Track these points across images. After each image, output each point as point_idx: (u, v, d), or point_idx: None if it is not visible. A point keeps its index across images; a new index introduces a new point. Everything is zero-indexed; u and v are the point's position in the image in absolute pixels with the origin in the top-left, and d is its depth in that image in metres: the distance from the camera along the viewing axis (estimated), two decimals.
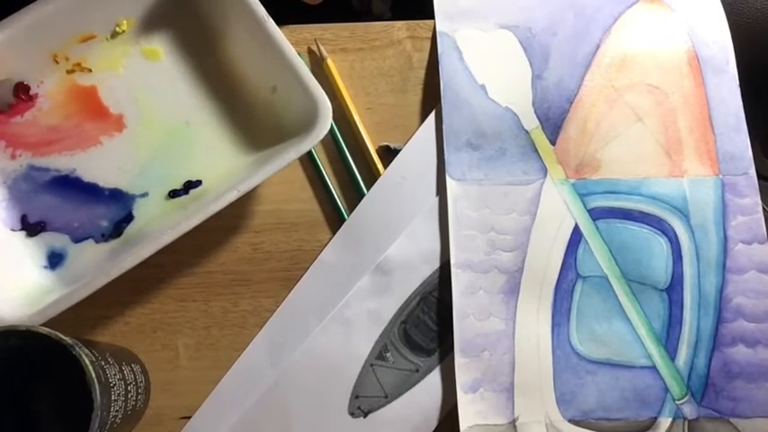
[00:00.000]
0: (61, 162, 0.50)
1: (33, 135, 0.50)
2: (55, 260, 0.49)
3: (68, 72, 0.51)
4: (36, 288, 0.47)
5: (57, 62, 0.51)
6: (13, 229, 0.49)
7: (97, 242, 0.49)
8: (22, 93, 0.50)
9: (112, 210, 0.50)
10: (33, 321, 0.44)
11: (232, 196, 0.45)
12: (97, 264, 0.48)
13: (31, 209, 0.49)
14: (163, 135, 0.51)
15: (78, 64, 0.51)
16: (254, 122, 0.51)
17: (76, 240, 0.49)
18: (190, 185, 0.50)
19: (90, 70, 0.51)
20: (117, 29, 0.52)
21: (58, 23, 0.49)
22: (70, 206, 0.50)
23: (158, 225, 0.48)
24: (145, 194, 0.50)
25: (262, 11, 0.48)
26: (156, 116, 0.51)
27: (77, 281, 0.46)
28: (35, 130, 0.51)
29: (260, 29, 0.48)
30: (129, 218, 0.50)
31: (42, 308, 0.44)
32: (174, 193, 0.50)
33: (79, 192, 0.50)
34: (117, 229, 0.49)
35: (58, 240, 0.49)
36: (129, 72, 0.52)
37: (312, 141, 0.46)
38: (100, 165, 0.50)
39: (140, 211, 0.50)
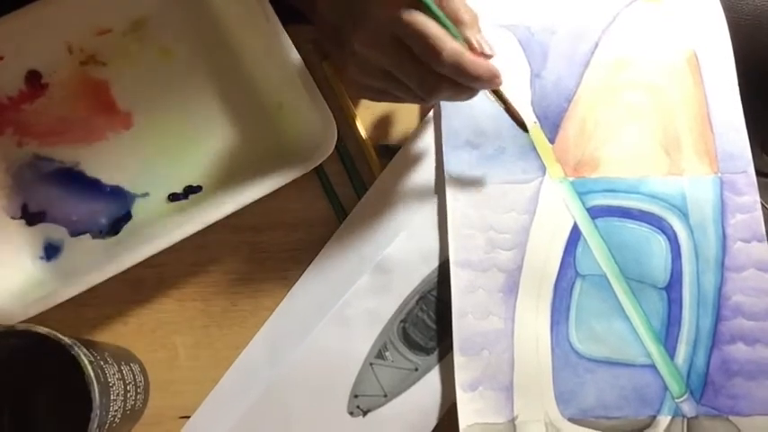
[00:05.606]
0: (66, 154, 0.50)
1: (41, 124, 0.50)
2: (51, 252, 0.49)
3: (82, 64, 0.51)
4: (30, 278, 0.47)
5: (71, 53, 0.51)
6: (13, 217, 0.49)
7: (94, 238, 0.49)
8: (34, 80, 0.50)
9: (112, 207, 0.50)
10: (25, 312, 0.44)
11: (230, 208, 0.46)
12: (92, 260, 0.48)
13: (33, 198, 0.50)
14: (169, 136, 0.51)
15: (92, 56, 0.51)
16: (258, 134, 0.51)
17: (74, 234, 0.49)
18: (190, 190, 0.50)
19: (104, 64, 0.51)
20: (134, 25, 0.51)
21: (77, 14, 0.49)
22: (71, 199, 0.50)
23: (155, 227, 0.48)
24: (145, 195, 0.50)
25: (276, 21, 0.48)
26: (164, 117, 0.51)
27: (71, 275, 0.46)
28: (43, 119, 0.50)
29: (272, 40, 0.48)
30: (127, 217, 0.50)
31: (35, 300, 0.44)
32: (173, 197, 0.50)
33: (81, 185, 0.50)
34: (114, 227, 0.49)
35: (56, 232, 0.49)
36: (142, 69, 0.51)
37: (314, 163, 0.47)
38: (104, 160, 0.50)
39: (139, 210, 0.50)
